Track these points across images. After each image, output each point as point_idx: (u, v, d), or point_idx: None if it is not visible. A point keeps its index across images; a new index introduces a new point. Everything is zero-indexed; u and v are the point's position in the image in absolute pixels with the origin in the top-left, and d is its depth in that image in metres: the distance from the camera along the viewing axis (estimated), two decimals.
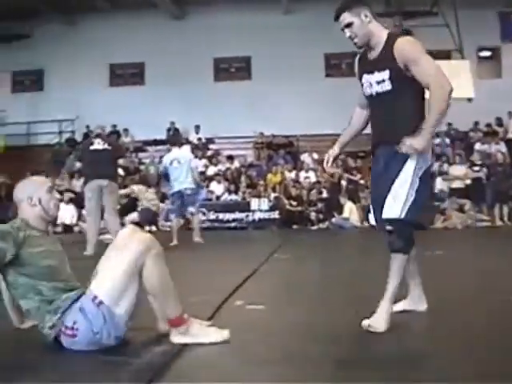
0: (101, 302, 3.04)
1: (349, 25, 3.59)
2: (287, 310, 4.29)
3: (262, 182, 17.98)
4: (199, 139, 20.96)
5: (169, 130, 21.29)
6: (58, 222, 15.93)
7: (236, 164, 19.67)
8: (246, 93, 21.06)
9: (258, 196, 17.11)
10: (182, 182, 10.61)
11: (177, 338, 3.19)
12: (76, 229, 15.82)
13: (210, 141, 21.32)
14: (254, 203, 16.83)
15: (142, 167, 19.91)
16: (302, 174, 18.64)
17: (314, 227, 16.25)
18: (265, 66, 21.35)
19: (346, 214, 16.14)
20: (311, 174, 18.54)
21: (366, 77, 3.67)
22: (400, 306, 3.87)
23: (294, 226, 16.39)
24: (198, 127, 21.06)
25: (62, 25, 22.90)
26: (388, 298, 3.51)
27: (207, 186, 17.58)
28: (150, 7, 21.62)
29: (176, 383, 2.63)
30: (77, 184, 16.99)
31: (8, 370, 2.82)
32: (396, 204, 3.48)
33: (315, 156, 19.46)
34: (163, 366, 2.77)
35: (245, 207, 16.78)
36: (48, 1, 21.49)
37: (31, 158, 21.29)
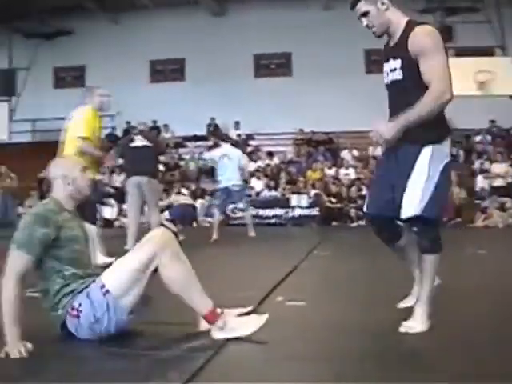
0: (107, 291, 3.17)
1: (365, 14, 3.50)
2: (327, 307, 4.31)
3: (301, 179, 17.95)
4: (239, 135, 20.96)
5: (209, 125, 21.34)
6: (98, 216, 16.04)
7: (276, 160, 19.66)
8: (286, 89, 20.98)
9: (298, 192, 17.08)
10: (229, 178, 10.64)
11: (216, 334, 3.21)
12: (116, 223, 15.98)
13: (250, 137, 21.30)
14: (294, 200, 16.81)
15: (182, 163, 20.01)
16: (342, 171, 18.56)
17: (354, 224, 16.16)
18: (305, 63, 21.25)
19: None
20: (351, 171, 18.46)
21: (385, 65, 3.57)
22: (409, 302, 3.81)
23: (334, 223, 16.34)
24: (237, 123, 21.07)
25: (105, 22, 23.14)
26: (423, 300, 3.40)
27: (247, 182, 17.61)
28: (190, 4, 21.75)
29: (215, 382, 2.62)
30: (117, 179, 17.16)
31: (48, 365, 2.89)
32: (414, 200, 3.33)
33: (355, 153, 19.37)
34: (203, 364, 2.77)
35: (284, 204, 16.77)
36: None
37: None
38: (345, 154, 19.55)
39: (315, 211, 16.72)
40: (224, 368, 2.81)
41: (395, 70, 3.44)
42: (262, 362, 2.91)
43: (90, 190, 3.60)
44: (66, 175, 3.44)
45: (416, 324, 3.33)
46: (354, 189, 17.12)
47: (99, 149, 6.94)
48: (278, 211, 16.71)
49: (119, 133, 21.42)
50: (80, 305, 3.19)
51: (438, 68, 3.28)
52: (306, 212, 16.73)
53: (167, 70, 22.95)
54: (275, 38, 21.19)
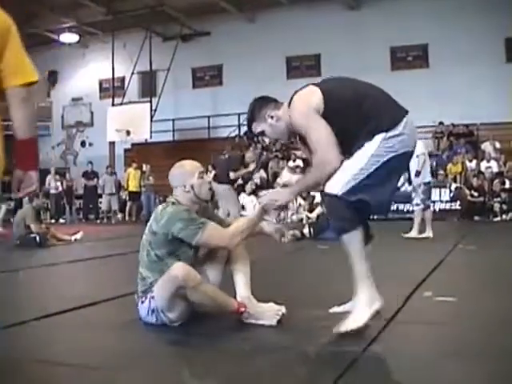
0: (153, 298, 3.44)
1: (262, 133, 3.52)
2: (479, 303, 4.14)
3: (441, 172, 17.50)
4: None
5: None
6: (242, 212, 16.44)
7: None
8: (425, 79, 20.52)
9: (439, 186, 16.65)
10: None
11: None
12: None
13: None
14: (435, 194, 16.41)
15: None
16: (483, 164, 17.93)
17: (497, 218, 15.61)
18: (443, 53, 20.68)
19: None
20: (493, 164, 17.79)
21: None
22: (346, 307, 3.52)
23: (476, 218, 15.83)
24: None
25: (241, 21, 23.53)
26: (359, 284, 3.24)
27: None
28: None
29: (366, 379, 2.61)
30: (257, 175, 17.40)
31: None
32: (339, 179, 3.17)
33: (497, 145, 18.66)
34: (353, 361, 2.74)
35: None
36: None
37: (213, 150, 22.12)
38: (486, 146, 18.84)
39: (457, 205, 16.29)
40: (373, 365, 2.80)
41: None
42: (411, 358, 2.86)
43: (210, 194, 3.71)
44: (184, 184, 3.58)
45: (354, 317, 3.16)
46: (496, 182, 16.49)
47: None
48: None
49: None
50: (146, 297, 3.50)
51: (316, 140, 3.23)
52: (448, 206, 16.34)
53: (303, 66, 23.00)
54: (411, 31, 20.76)
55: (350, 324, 3.09)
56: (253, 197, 15.69)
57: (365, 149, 3.18)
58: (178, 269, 3.28)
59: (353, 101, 3.27)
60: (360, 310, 3.16)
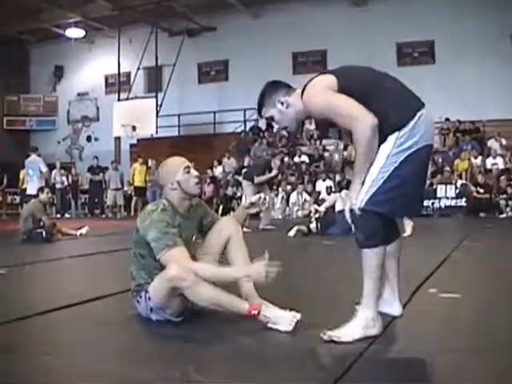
0: (149, 298, 3.43)
1: (271, 118, 3.43)
2: (485, 300, 4.14)
3: (447, 169, 17.48)
4: None
5: None
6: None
7: None
8: (431, 75, 20.49)
9: (445, 183, 16.64)
10: None
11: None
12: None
13: None
14: (441, 190, 16.41)
15: (326, 154, 19.99)
16: (489, 161, 17.92)
17: (503, 215, 15.60)
18: (449, 50, 20.65)
19: None
20: (499, 161, 17.77)
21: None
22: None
23: (481, 214, 15.82)
24: None
25: (246, 17, 23.53)
26: (364, 302, 3.12)
27: None
28: None
29: (365, 382, 2.59)
30: None
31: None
32: (361, 191, 3.06)
33: (503, 141, 18.62)
34: (352, 363, 2.70)
35: (431, 194, 16.33)
36: None
37: (218, 146, 22.17)
38: (492, 142, 18.81)
39: (462, 202, 16.29)
40: (377, 362, 2.77)
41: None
42: (416, 355, 2.85)
43: (198, 188, 3.63)
44: (171, 182, 3.55)
45: (345, 331, 3.04)
46: (503, 178, 16.48)
47: None
48: (425, 202, 16.27)
49: (262, 125, 21.76)
50: (141, 296, 3.51)
51: (341, 112, 3.08)
52: (453, 203, 16.33)
53: (309, 62, 23.00)
54: (418, 27, 20.73)
55: (336, 335, 2.99)
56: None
57: (380, 153, 3.06)
58: (173, 270, 3.21)
59: (364, 92, 3.13)
60: (354, 328, 3.04)
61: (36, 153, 15.15)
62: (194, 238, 3.75)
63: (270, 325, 3.27)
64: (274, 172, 12.28)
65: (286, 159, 19.74)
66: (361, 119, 3.00)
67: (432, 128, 3.28)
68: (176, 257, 3.29)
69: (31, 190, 14.06)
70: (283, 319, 3.27)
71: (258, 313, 3.28)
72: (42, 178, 14.53)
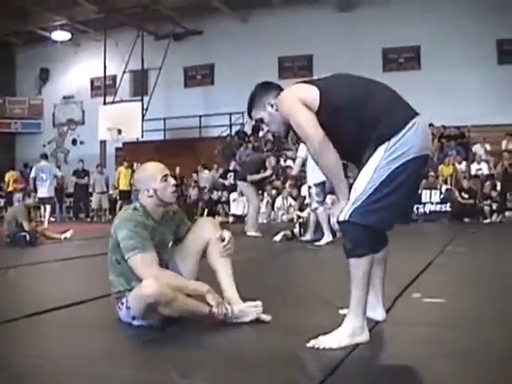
0: (129, 308, 3.40)
1: (261, 120, 3.42)
2: (467, 305, 4.16)
3: (432, 174, 17.53)
4: None
5: None
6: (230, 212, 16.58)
7: None
8: (417, 81, 20.53)
9: (429, 188, 16.69)
10: None
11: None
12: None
13: None
14: (425, 195, 16.46)
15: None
16: (474, 166, 18.00)
17: (487, 221, 15.66)
18: (435, 55, 20.75)
19: None
20: (483, 166, 17.84)
21: None
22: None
23: (466, 219, 15.88)
24: None
25: (233, 21, 23.54)
26: (350, 310, 3.09)
27: None
28: (317, 0, 21.92)
29: (354, 378, 2.61)
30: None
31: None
32: (349, 202, 3.03)
33: (488, 147, 18.70)
34: (343, 359, 2.76)
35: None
36: None
37: (204, 150, 22.14)
38: (477, 148, 18.88)
39: (447, 207, 16.34)
40: (360, 366, 2.78)
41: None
42: (400, 360, 2.86)
43: (174, 196, 3.63)
44: (147, 188, 3.53)
45: (331, 338, 3.01)
46: (487, 184, 16.56)
47: None
48: None
49: (248, 130, 21.77)
50: (122, 303, 3.48)
51: (298, 129, 3.12)
52: (438, 208, 16.38)
53: (295, 67, 23.04)
54: (404, 32, 20.80)
55: (322, 343, 2.96)
56: None
57: (368, 164, 3.03)
58: (151, 287, 3.17)
59: (353, 102, 3.11)
60: (340, 336, 3.01)
61: (46, 159, 16.20)
62: (169, 244, 3.75)
63: (235, 320, 3.35)
64: (269, 172, 11.99)
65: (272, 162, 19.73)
66: (311, 138, 3.05)
67: (427, 137, 3.20)
68: (140, 265, 3.34)
69: (43, 193, 15.12)
70: (246, 311, 3.38)
71: (217, 310, 3.34)
72: (55, 182, 15.39)
